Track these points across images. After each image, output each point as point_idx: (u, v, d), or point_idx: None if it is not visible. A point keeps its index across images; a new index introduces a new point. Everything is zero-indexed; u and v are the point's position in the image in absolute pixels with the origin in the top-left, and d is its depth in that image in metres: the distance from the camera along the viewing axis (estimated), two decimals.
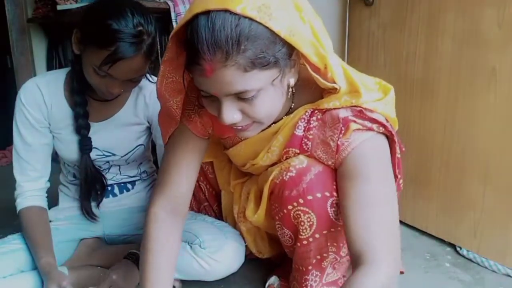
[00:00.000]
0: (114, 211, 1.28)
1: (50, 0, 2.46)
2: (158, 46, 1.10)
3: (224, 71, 0.75)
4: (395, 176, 0.94)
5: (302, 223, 0.94)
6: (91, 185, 1.19)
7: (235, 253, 1.15)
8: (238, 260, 1.16)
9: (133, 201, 1.31)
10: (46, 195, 1.20)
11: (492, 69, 1.23)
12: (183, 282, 1.19)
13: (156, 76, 1.30)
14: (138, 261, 0.98)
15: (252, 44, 0.73)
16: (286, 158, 0.98)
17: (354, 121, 0.88)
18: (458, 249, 1.40)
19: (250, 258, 1.23)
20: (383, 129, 0.90)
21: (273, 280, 1.10)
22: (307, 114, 0.94)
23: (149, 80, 1.20)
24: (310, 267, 0.99)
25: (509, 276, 1.26)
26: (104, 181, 1.22)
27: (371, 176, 0.86)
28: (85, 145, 1.15)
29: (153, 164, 1.38)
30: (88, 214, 1.20)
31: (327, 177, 0.93)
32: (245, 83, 0.77)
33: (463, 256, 1.38)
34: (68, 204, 1.29)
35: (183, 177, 0.98)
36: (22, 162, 1.15)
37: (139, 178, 1.32)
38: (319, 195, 0.92)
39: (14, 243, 1.13)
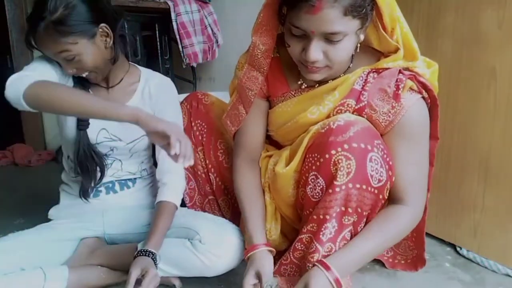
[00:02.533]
0: (114, 210, 1.28)
1: None
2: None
3: (330, 10, 0.89)
4: (437, 138, 1.11)
5: (342, 169, 0.97)
6: (86, 162, 1.19)
7: (235, 249, 1.15)
8: (238, 256, 1.15)
9: (134, 199, 1.32)
10: None
11: (492, 69, 1.24)
12: (182, 281, 1.19)
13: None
14: (155, 258, 1.08)
15: None
16: (336, 114, 1.07)
17: (411, 79, 1.01)
18: (458, 249, 1.41)
19: None
20: (427, 95, 1.04)
21: (272, 281, 1.10)
22: (364, 73, 1.06)
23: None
24: (334, 215, 1.00)
25: (509, 276, 1.26)
26: (103, 161, 1.21)
27: (418, 138, 1.05)
28: (82, 120, 1.17)
29: (153, 165, 1.38)
30: (84, 193, 1.21)
31: (372, 133, 1.01)
32: (340, 25, 0.91)
33: (463, 256, 1.38)
34: (69, 201, 1.29)
35: (252, 134, 1.23)
36: (26, 71, 1.10)
37: (139, 176, 1.32)
38: (363, 145, 0.97)
39: (14, 241, 1.13)
